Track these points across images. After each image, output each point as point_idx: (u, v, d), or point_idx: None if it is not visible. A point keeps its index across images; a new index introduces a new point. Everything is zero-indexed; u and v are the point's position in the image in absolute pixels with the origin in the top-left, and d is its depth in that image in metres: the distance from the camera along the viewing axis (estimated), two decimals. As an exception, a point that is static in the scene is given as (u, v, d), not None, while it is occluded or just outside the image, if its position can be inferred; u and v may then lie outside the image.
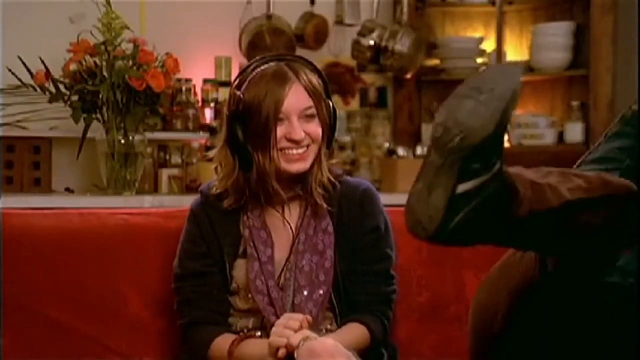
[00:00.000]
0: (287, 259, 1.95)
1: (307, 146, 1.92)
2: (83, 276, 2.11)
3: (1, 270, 2.03)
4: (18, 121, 3.53)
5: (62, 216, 2.20)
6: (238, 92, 1.90)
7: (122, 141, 3.39)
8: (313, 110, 1.92)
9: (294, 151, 1.90)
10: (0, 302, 2.03)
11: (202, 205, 2.01)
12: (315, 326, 1.89)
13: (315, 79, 1.94)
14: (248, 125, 1.89)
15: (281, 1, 4.25)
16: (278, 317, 1.88)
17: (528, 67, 4.62)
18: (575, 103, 4.48)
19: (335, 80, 4.47)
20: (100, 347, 2.09)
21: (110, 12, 3.33)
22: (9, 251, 2.05)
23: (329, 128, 1.98)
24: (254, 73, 1.91)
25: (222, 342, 1.90)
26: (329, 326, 1.97)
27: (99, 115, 3.39)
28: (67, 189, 3.73)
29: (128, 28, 3.35)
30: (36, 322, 2.07)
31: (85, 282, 2.11)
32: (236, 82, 1.93)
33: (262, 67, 1.92)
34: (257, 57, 1.96)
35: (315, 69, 1.98)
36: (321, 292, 1.93)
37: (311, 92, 1.92)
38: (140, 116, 3.39)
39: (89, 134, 3.39)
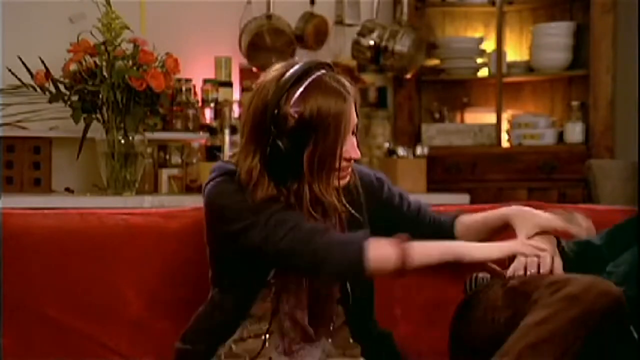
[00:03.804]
0: None
1: None
2: (83, 276, 2.11)
3: (1, 270, 2.03)
4: (18, 121, 3.53)
5: (62, 216, 2.20)
6: (293, 112, 1.76)
7: (122, 141, 3.39)
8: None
9: (349, 168, 1.85)
10: (1, 302, 2.03)
11: None
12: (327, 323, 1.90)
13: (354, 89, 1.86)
14: (303, 144, 1.78)
15: (281, 1, 4.25)
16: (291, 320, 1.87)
17: (528, 67, 4.63)
18: (575, 103, 4.48)
19: (335, 80, 4.47)
20: (100, 347, 2.09)
21: (110, 12, 3.33)
22: (9, 251, 2.05)
23: None
24: (303, 88, 1.78)
25: (379, 244, 1.78)
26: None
27: (99, 115, 3.39)
28: (67, 189, 3.73)
29: (128, 28, 3.36)
30: (36, 322, 2.07)
31: (85, 282, 2.11)
32: (275, 96, 1.78)
33: (313, 80, 1.79)
34: (296, 68, 1.81)
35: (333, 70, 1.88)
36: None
37: (357, 105, 1.85)
38: (140, 116, 3.39)
39: (89, 134, 3.39)
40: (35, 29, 3.74)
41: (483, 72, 4.71)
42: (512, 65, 4.63)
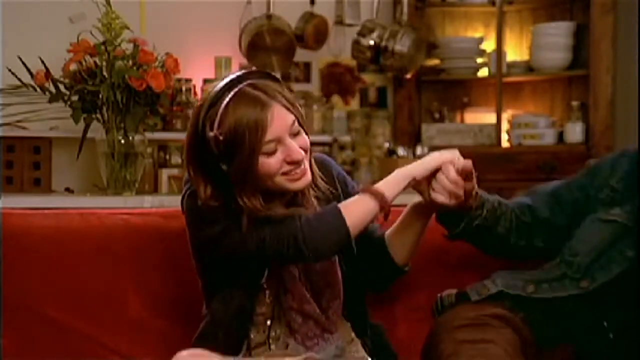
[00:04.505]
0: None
1: (305, 159, 1.85)
2: (83, 276, 2.11)
3: (1, 270, 2.03)
4: (18, 121, 3.53)
5: (62, 216, 2.20)
6: (219, 134, 1.76)
7: (122, 141, 3.39)
8: (297, 123, 1.83)
9: (297, 170, 1.82)
10: (1, 302, 2.03)
11: None
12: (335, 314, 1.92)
13: (281, 89, 1.83)
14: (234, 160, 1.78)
15: (281, 1, 4.25)
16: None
17: (528, 67, 4.63)
18: (575, 103, 4.48)
19: (335, 80, 4.47)
20: (100, 347, 2.09)
21: (110, 12, 3.33)
22: (9, 251, 2.06)
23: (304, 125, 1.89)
24: (224, 106, 1.76)
25: (351, 203, 1.84)
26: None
27: (99, 115, 3.39)
28: (67, 189, 3.74)
29: (128, 28, 3.35)
30: (36, 322, 2.07)
31: (85, 282, 2.11)
32: (202, 122, 1.78)
33: (229, 99, 1.77)
34: (218, 87, 1.79)
35: (269, 76, 1.86)
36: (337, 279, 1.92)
37: (289, 106, 1.82)
38: (140, 116, 3.39)
39: (89, 134, 3.39)
40: (35, 29, 3.74)
41: (483, 72, 4.71)
42: (512, 65, 4.63)
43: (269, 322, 1.89)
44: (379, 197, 1.83)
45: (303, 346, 1.87)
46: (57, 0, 3.78)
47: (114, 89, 3.30)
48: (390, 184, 1.87)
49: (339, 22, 4.43)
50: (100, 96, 3.33)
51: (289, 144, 1.79)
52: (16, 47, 3.51)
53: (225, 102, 1.76)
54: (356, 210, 1.82)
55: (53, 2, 3.78)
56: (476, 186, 1.96)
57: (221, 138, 1.75)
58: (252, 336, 1.89)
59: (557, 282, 1.96)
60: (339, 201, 1.92)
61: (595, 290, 1.91)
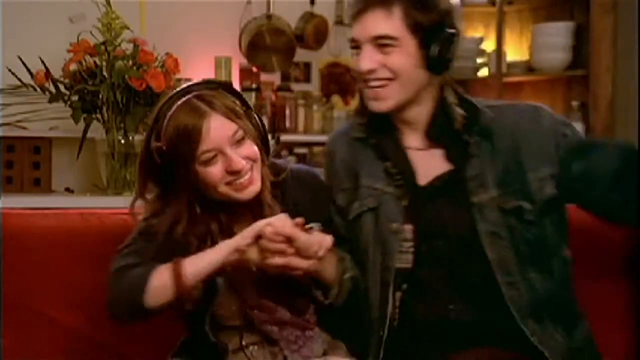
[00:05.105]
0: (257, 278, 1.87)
1: (251, 168, 1.83)
2: (83, 276, 2.11)
3: (1, 270, 2.03)
4: (18, 121, 3.53)
5: (62, 216, 2.20)
6: (161, 145, 1.81)
7: (122, 141, 3.40)
8: (241, 132, 1.82)
9: (241, 180, 1.82)
10: (0, 302, 2.03)
11: None
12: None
13: (228, 100, 1.83)
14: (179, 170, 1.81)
15: (281, 1, 4.25)
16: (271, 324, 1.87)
17: (528, 67, 4.63)
18: (575, 103, 4.48)
19: (335, 80, 4.47)
20: (100, 347, 2.09)
21: (110, 12, 3.34)
22: (9, 251, 2.06)
23: (261, 137, 1.88)
24: (167, 118, 1.81)
25: (160, 270, 1.78)
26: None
27: (99, 115, 3.39)
28: (67, 189, 3.74)
29: (128, 28, 3.36)
30: (36, 322, 2.07)
31: (85, 282, 2.10)
32: (150, 134, 1.85)
33: (173, 110, 1.81)
34: (164, 99, 1.84)
35: (222, 86, 1.88)
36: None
37: (231, 115, 1.81)
38: (140, 116, 3.39)
39: (89, 134, 3.39)
40: (35, 29, 3.74)
41: (483, 72, 4.70)
42: (512, 65, 4.63)
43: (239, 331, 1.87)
44: (176, 274, 1.75)
45: (288, 350, 1.85)
46: (57, 0, 3.78)
47: (114, 89, 3.31)
48: (203, 258, 1.77)
49: (339, 22, 4.43)
50: (100, 96, 3.33)
51: (229, 153, 1.80)
52: (16, 47, 3.51)
53: (169, 113, 1.80)
54: (159, 282, 1.76)
55: (53, 2, 3.78)
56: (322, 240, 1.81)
57: (164, 149, 1.79)
58: (227, 344, 1.87)
59: (373, 301, 1.90)
60: (303, 215, 1.85)
61: (397, 273, 1.85)
